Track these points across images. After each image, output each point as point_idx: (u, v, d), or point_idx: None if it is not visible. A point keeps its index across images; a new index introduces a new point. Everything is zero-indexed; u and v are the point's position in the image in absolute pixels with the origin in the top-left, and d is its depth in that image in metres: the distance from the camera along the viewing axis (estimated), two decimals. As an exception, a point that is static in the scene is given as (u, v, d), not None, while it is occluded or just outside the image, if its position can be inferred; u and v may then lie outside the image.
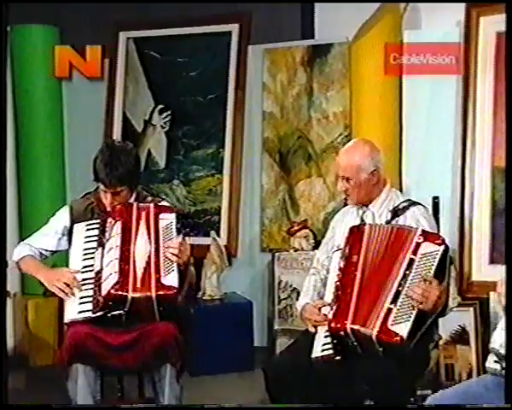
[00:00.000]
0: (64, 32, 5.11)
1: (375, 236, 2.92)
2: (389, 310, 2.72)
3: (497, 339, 2.39)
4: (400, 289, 2.75)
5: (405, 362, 2.78)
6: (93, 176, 3.21)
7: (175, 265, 3.10)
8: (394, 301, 2.73)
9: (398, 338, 2.68)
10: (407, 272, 2.77)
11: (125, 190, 3.20)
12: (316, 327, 2.94)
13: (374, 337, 2.72)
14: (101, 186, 3.19)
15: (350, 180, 3.09)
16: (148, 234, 3.15)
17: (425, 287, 2.71)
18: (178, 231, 3.21)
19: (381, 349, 2.73)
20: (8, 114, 4.87)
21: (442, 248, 2.79)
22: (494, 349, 2.39)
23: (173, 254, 3.09)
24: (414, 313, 2.71)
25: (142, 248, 3.12)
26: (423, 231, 2.87)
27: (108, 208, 3.23)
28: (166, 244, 3.12)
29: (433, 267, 2.75)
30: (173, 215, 3.21)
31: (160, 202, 3.36)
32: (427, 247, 2.79)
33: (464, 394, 2.46)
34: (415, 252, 2.79)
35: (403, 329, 2.69)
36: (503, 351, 2.31)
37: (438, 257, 2.77)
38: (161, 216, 3.19)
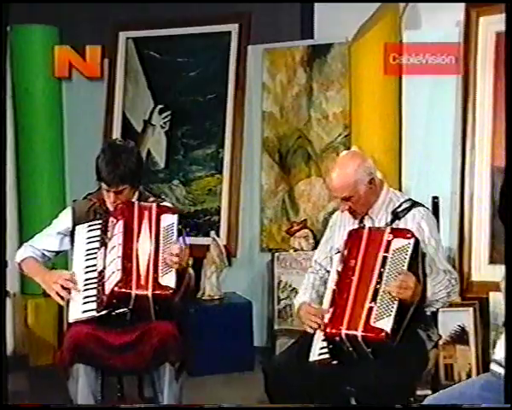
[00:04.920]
0: (64, 32, 5.10)
1: (372, 239, 2.92)
2: (370, 309, 2.76)
3: (498, 351, 2.37)
4: (378, 286, 2.80)
5: (401, 364, 2.78)
6: (96, 175, 3.22)
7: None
8: (374, 299, 2.78)
9: (383, 334, 2.70)
10: (382, 270, 2.82)
11: (127, 189, 3.20)
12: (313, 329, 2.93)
13: (359, 338, 2.73)
14: (104, 185, 3.20)
15: (351, 198, 3.04)
16: (150, 233, 3.16)
17: (401, 278, 2.76)
18: (180, 233, 3.22)
19: (369, 350, 2.74)
20: (8, 114, 4.87)
21: (412, 241, 2.84)
22: (496, 360, 2.38)
23: (172, 261, 3.08)
24: (395, 307, 2.74)
25: (144, 247, 3.13)
26: (392, 228, 2.94)
27: (111, 208, 3.23)
28: (167, 248, 3.12)
29: (407, 260, 2.81)
30: (175, 217, 3.21)
31: (162, 202, 3.37)
32: (397, 242, 2.85)
33: (462, 394, 2.45)
34: (387, 250, 2.85)
35: (386, 324, 2.72)
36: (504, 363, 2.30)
37: (410, 250, 2.83)
38: (163, 217, 3.19)
